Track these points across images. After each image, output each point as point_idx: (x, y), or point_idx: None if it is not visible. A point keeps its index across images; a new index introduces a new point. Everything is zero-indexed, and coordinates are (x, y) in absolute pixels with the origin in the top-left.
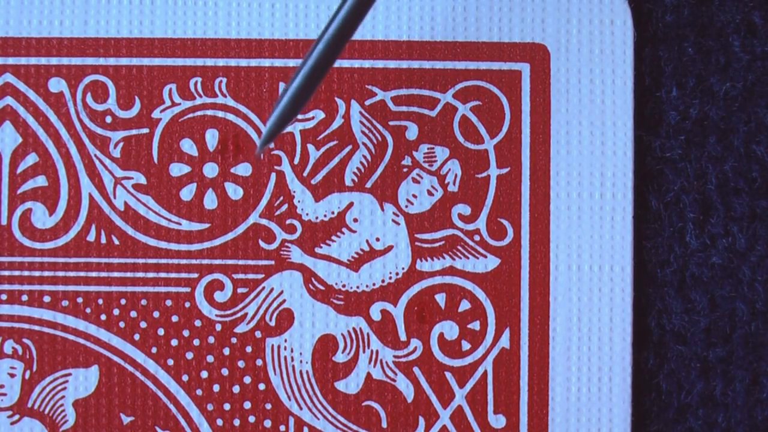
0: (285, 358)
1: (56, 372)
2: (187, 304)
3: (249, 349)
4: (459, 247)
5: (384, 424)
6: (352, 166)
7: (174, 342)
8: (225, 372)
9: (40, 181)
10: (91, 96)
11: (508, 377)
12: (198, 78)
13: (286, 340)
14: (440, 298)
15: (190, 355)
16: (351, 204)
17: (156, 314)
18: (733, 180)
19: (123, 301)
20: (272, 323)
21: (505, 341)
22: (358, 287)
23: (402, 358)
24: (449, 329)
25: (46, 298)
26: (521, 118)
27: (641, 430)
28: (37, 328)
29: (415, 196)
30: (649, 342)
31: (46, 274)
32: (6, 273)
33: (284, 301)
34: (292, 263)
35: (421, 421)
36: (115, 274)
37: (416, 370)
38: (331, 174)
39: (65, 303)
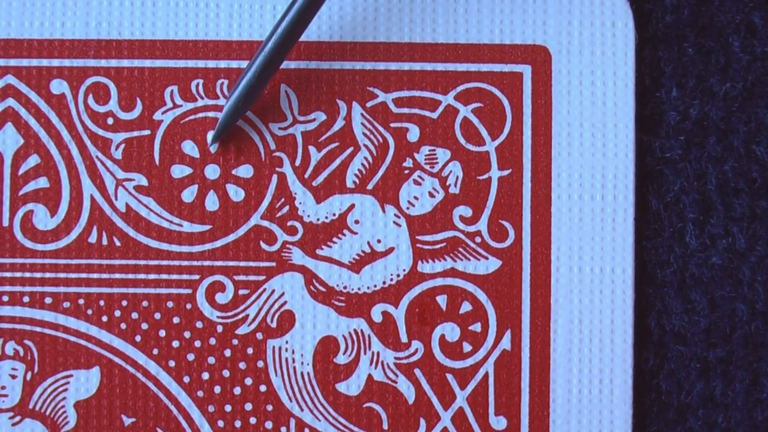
0: (286, 359)
1: (57, 373)
2: (189, 306)
3: (250, 350)
4: (460, 249)
5: (385, 426)
6: (354, 168)
7: (175, 343)
8: (226, 373)
9: (42, 182)
10: (92, 97)
11: (509, 379)
12: (199, 80)
13: (287, 342)
14: (441, 300)
15: (191, 357)
16: (352, 206)
17: (157, 316)
18: (733, 180)
19: (124, 303)
20: (273, 325)
21: (506, 343)
22: (359, 289)
23: (403, 359)
24: (450, 331)
25: (48, 300)
26: (522, 120)
27: (641, 430)
28: (38, 329)
29: (416, 198)
30: (649, 342)
31: (48, 275)
32: (7, 274)
33: (285, 302)
34: (293, 265)
35: (422, 422)
36: (117, 276)
37: (417, 371)
38: (332, 176)
39: (66, 304)
